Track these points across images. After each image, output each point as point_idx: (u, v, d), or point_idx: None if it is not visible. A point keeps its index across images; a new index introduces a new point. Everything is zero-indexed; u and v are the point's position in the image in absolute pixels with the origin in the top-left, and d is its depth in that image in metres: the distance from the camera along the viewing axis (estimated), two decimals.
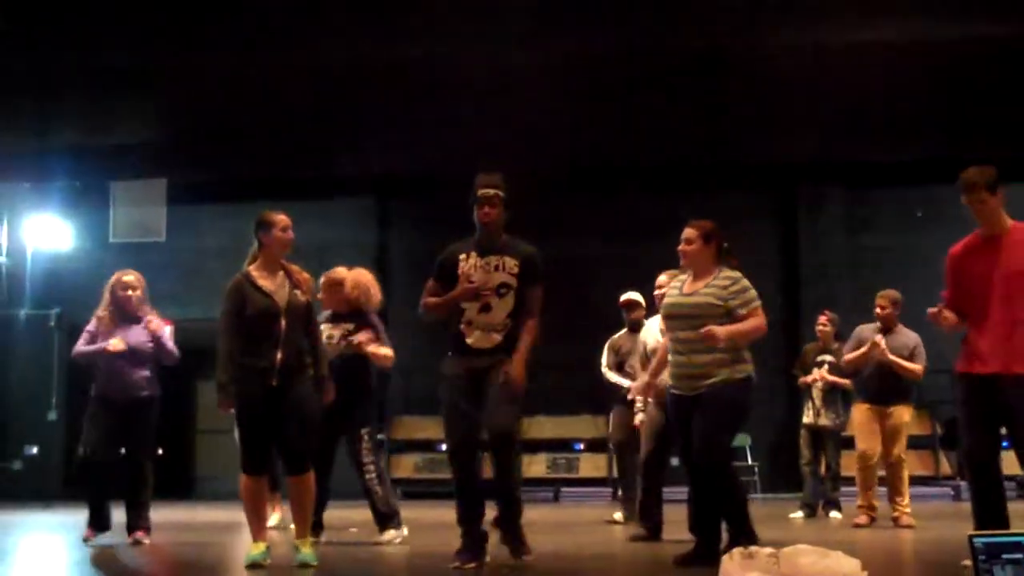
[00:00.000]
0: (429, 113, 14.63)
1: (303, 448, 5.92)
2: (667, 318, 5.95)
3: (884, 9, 12.81)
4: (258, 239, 5.99)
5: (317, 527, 7.40)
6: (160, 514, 10.39)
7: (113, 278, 7.70)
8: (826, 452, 10.12)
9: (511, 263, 5.74)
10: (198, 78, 15.02)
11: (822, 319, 10.23)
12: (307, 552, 5.82)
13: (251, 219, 6.09)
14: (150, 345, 7.58)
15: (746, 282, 5.78)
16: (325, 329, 7.32)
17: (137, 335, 7.56)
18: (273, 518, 8.80)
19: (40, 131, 14.89)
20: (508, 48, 13.85)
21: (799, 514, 10.02)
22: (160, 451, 16.97)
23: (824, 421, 10.00)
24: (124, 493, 7.55)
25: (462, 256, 5.76)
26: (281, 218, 5.99)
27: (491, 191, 5.75)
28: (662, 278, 7.31)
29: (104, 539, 7.43)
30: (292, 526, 6.19)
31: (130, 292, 7.61)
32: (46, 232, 16.12)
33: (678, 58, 14.38)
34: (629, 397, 8.72)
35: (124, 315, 7.59)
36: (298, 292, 5.97)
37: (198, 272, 14.63)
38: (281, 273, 5.98)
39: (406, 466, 14.81)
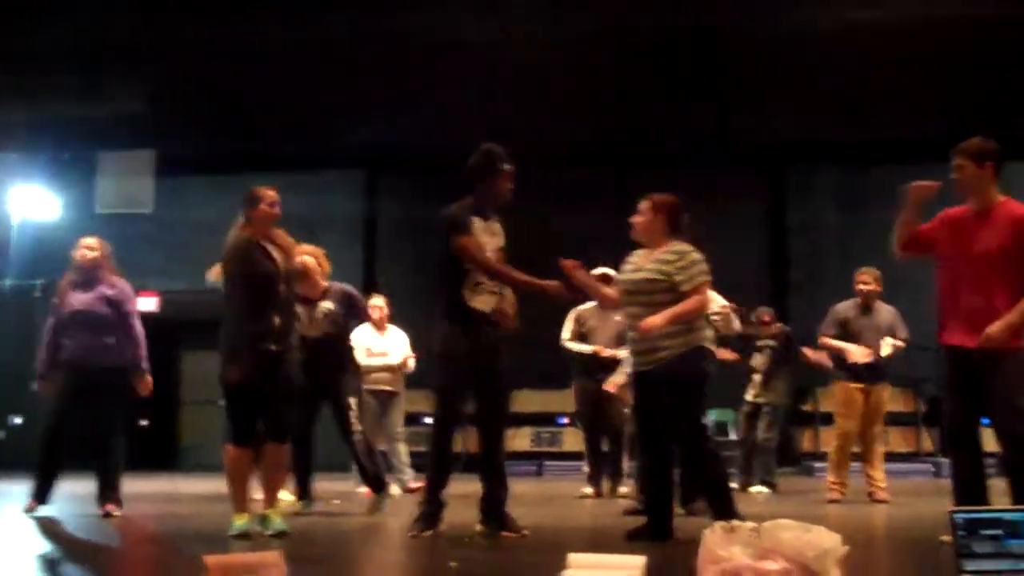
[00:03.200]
0: (418, 86, 14.59)
1: (287, 418, 5.99)
2: (620, 294, 5.94)
3: None
4: (245, 213, 5.99)
5: (306, 496, 7.50)
6: (144, 485, 10.42)
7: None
8: (758, 428, 10.28)
9: (499, 228, 5.98)
10: (188, 49, 14.95)
11: (766, 317, 10.46)
12: (278, 521, 5.86)
13: (239, 192, 6.09)
14: (107, 311, 7.35)
15: (695, 256, 5.69)
16: (303, 311, 7.35)
17: (93, 299, 7.35)
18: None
19: (27, 101, 14.81)
20: (500, 23, 13.81)
21: (758, 488, 10.13)
22: (144, 422, 17.09)
23: (763, 399, 10.28)
24: (94, 465, 7.37)
25: (472, 219, 5.83)
26: (269, 193, 5.99)
27: (511, 167, 5.97)
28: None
29: (59, 510, 7.38)
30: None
31: (85, 251, 7.42)
32: (32, 203, 16.04)
33: (670, 37, 14.37)
34: (608, 357, 8.73)
35: (84, 278, 7.40)
36: (289, 257, 6.00)
37: (185, 244, 14.56)
38: (268, 242, 5.98)
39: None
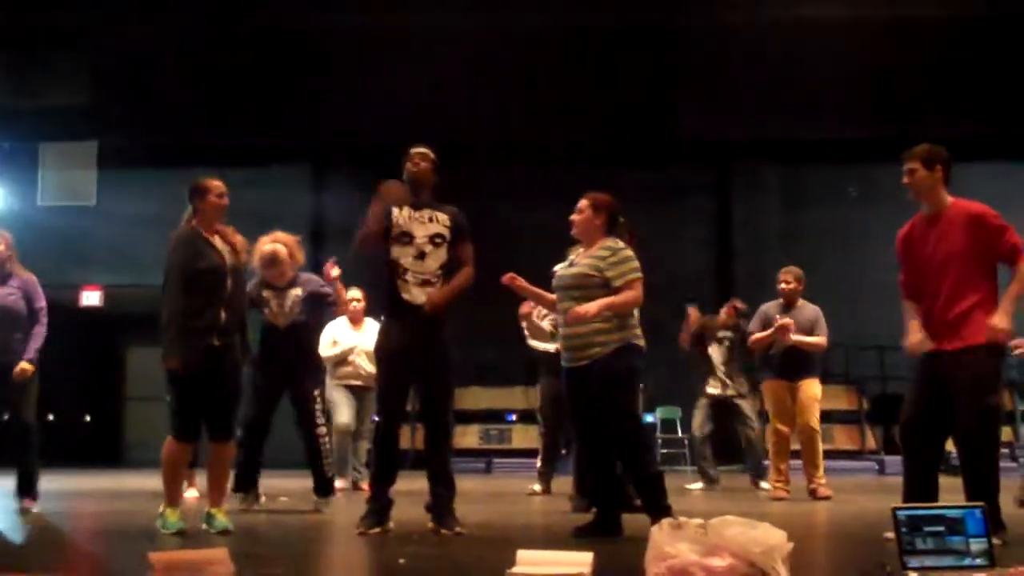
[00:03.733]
0: (365, 80, 14.57)
1: (231, 415, 5.96)
2: (556, 289, 5.98)
3: None
4: (193, 205, 5.93)
5: (254, 492, 7.45)
6: (88, 482, 10.29)
7: None
8: (738, 424, 10.17)
9: (443, 218, 5.96)
10: (132, 40, 14.82)
11: (727, 310, 10.29)
12: (223, 519, 5.85)
13: (184, 185, 6.02)
14: (20, 304, 7.28)
15: (627, 253, 5.76)
16: (270, 298, 7.38)
17: (6, 294, 7.28)
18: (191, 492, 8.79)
19: None
20: (448, 17, 13.80)
21: (698, 485, 10.09)
22: (88, 418, 16.91)
23: (731, 392, 10.12)
24: (12, 459, 7.34)
25: (396, 210, 5.87)
26: (216, 184, 5.94)
27: (423, 149, 6.00)
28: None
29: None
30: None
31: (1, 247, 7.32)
32: None
33: (618, 33, 14.44)
34: None
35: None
36: (238, 253, 5.95)
37: (129, 237, 14.39)
38: (217, 236, 5.93)
39: None
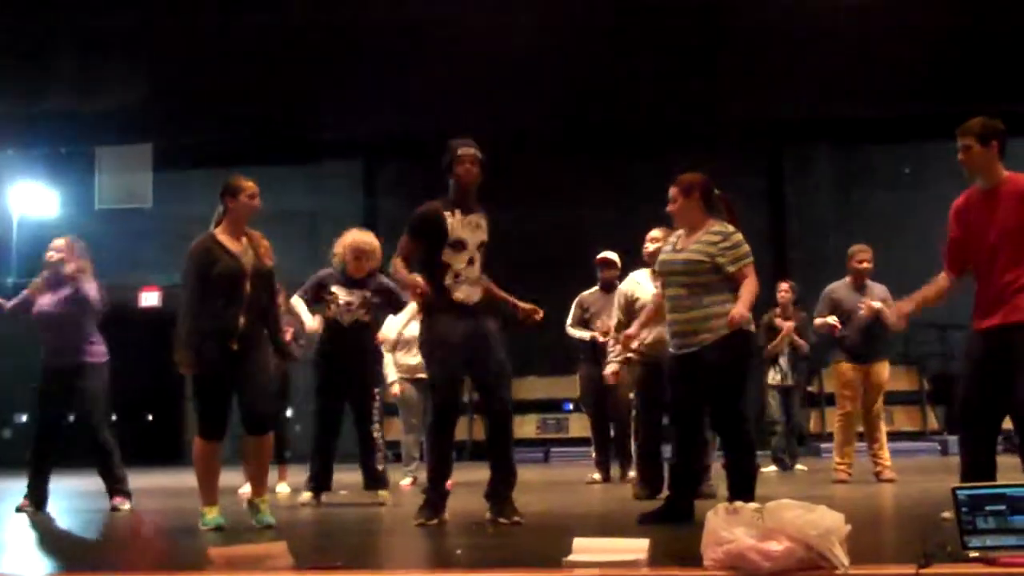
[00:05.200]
0: (417, 76, 14.56)
1: (264, 410, 5.99)
2: (661, 275, 5.94)
3: None
4: (224, 204, 6.01)
5: (326, 485, 7.63)
6: (148, 480, 10.44)
7: None
8: (792, 410, 10.67)
9: (484, 224, 5.99)
10: (185, 42, 14.92)
11: (783, 286, 10.67)
12: (266, 513, 5.93)
13: None
14: (71, 309, 7.43)
15: (738, 236, 5.68)
16: (341, 294, 7.43)
17: (59, 298, 7.44)
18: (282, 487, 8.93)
19: (25, 97, 14.80)
20: (498, 9, 13.78)
21: (772, 468, 10.47)
22: (149, 417, 17.12)
23: (790, 381, 10.61)
24: (93, 462, 7.53)
25: (448, 214, 5.85)
26: (249, 184, 6.00)
27: (471, 150, 5.93)
28: (655, 232, 7.34)
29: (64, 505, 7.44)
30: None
31: (52, 253, 7.50)
32: (32, 200, 16.05)
33: (666, 17, 14.32)
34: (606, 342, 8.58)
35: (53, 278, 7.50)
36: (262, 257, 5.98)
37: (185, 238, 14.16)
38: (244, 239, 5.99)
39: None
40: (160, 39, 14.74)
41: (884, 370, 8.81)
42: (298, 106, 15.40)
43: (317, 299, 7.48)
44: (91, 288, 7.45)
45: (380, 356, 8.14)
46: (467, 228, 5.88)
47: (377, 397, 7.60)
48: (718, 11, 14.39)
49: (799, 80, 14.73)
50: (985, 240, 5.21)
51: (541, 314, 6.03)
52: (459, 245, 5.84)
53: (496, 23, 13.62)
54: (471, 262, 5.87)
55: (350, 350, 7.47)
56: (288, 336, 7.78)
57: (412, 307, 7.94)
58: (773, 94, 14.91)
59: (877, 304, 8.34)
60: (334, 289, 7.46)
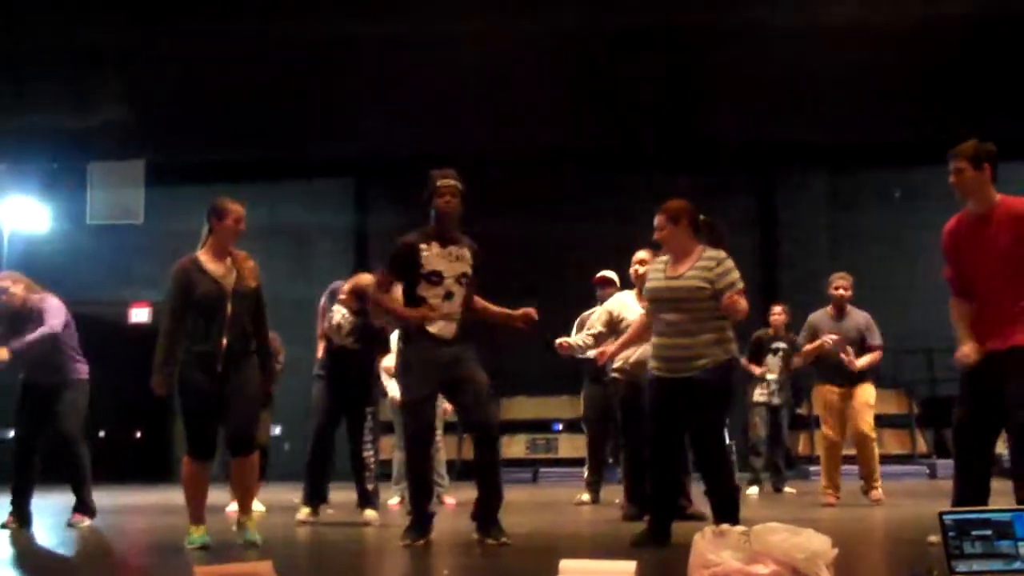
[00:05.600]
0: (407, 94, 14.59)
1: (248, 431, 6.00)
2: (651, 301, 5.93)
3: None
4: (209, 224, 6.01)
5: (322, 500, 7.68)
6: (137, 497, 10.40)
7: None
8: (780, 430, 10.81)
9: (467, 255, 5.93)
10: (177, 58, 14.93)
11: (777, 309, 10.80)
12: (252, 532, 5.92)
13: None
14: (47, 342, 7.40)
15: (729, 263, 5.72)
16: (335, 314, 7.48)
17: (30, 329, 7.40)
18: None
19: (17, 112, 14.78)
20: (486, 28, 13.81)
21: (754, 489, 10.58)
22: (138, 434, 17.05)
23: (778, 400, 10.72)
24: (67, 476, 7.56)
25: (423, 246, 5.85)
26: (236, 208, 6.00)
27: (451, 181, 5.90)
28: (642, 254, 7.35)
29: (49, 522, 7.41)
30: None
31: (4, 297, 7.45)
32: (23, 214, 16.00)
33: (661, 36, 14.37)
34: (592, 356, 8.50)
35: (11, 318, 7.45)
36: (245, 278, 5.98)
37: (176, 255, 14.20)
38: (228, 259, 5.99)
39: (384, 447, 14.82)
40: (153, 56, 14.75)
41: (866, 392, 8.72)
42: (290, 123, 15.41)
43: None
44: (53, 313, 7.44)
45: (376, 374, 8.13)
46: (444, 260, 5.85)
47: (369, 417, 7.62)
48: (711, 33, 14.44)
49: (792, 104, 14.78)
50: (980, 264, 5.20)
51: (534, 313, 6.01)
52: (435, 277, 5.82)
53: (486, 42, 13.66)
54: (448, 296, 5.82)
55: (345, 370, 7.56)
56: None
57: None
58: (767, 116, 14.96)
59: (831, 339, 8.53)
60: (334, 307, 7.50)
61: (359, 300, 7.40)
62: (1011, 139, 11.89)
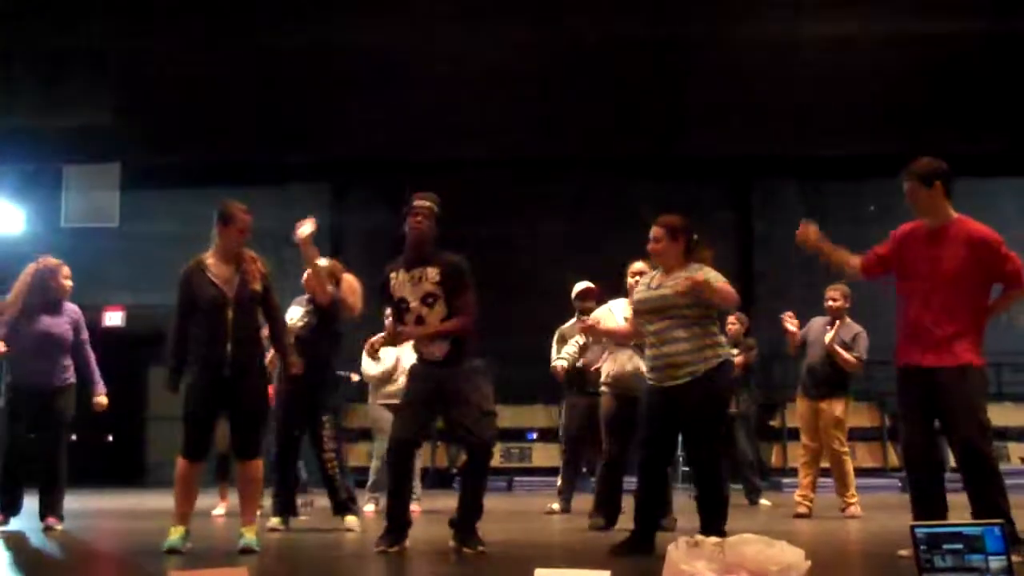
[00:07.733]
0: (382, 97, 14.57)
1: (254, 435, 6.03)
2: (637, 313, 5.96)
3: (839, 3, 12.95)
4: (218, 230, 6.03)
5: (289, 511, 7.55)
6: (110, 501, 10.34)
7: (41, 264, 7.51)
8: (739, 439, 10.57)
9: (432, 272, 5.88)
10: (152, 61, 14.88)
11: (731, 319, 10.41)
12: (250, 537, 5.87)
13: (205, 205, 6.17)
14: (70, 334, 7.50)
15: (714, 274, 5.77)
16: (298, 309, 7.47)
17: (59, 323, 7.46)
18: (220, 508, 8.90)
19: None
20: (465, 34, 13.84)
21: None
22: (110, 438, 16.93)
23: (733, 409, 10.26)
24: (37, 479, 7.48)
25: (392, 274, 5.95)
26: (244, 218, 6.04)
27: (425, 203, 5.94)
28: (639, 265, 7.30)
29: (22, 524, 7.38)
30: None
31: (65, 280, 7.52)
32: None
33: (635, 48, 14.43)
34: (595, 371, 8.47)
35: (53, 301, 7.47)
36: (249, 281, 5.97)
37: (151, 258, 14.42)
38: (232, 263, 6.00)
39: (357, 454, 14.79)
40: (129, 58, 14.70)
41: (834, 408, 8.73)
42: (266, 128, 15.37)
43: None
44: (84, 326, 7.64)
45: (334, 378, 7.93)
46: (407, 285, 5.89)
47: (327, 424, 7.44)
48: (687, 45, 14.51)
49: (768, 116, 14.86)
50: (925, 276, 5.26)
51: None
52: (402, 305, 5.91)
53: (464, 48, 13.68)
54: (420, 320, 5.87)
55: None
56: None
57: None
58: (741, 129, 15.03)
59: (786, 315, 8.66)
60: (293, 305, 7.53)
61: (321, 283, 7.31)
62: (990, 157, 12.02)
